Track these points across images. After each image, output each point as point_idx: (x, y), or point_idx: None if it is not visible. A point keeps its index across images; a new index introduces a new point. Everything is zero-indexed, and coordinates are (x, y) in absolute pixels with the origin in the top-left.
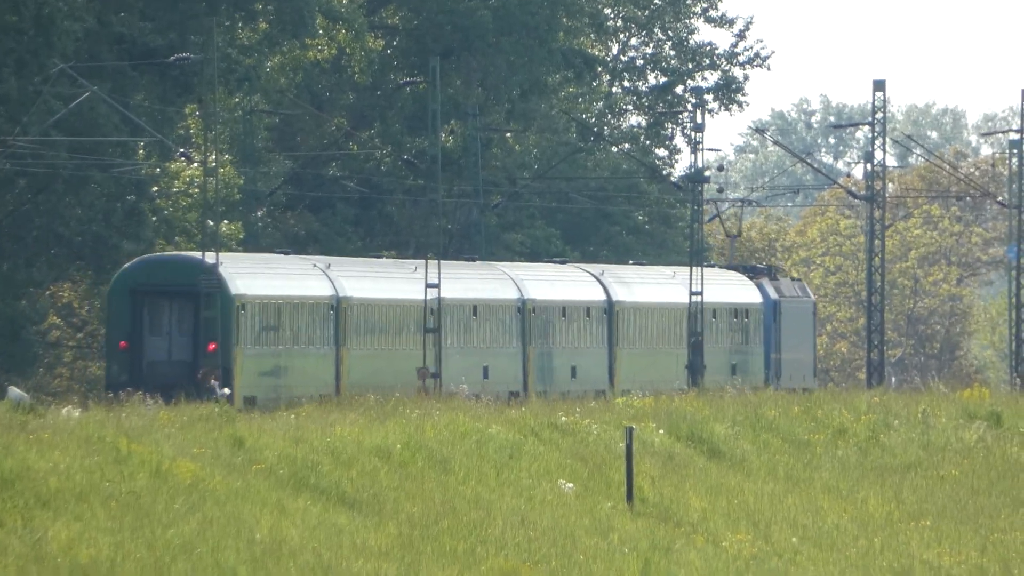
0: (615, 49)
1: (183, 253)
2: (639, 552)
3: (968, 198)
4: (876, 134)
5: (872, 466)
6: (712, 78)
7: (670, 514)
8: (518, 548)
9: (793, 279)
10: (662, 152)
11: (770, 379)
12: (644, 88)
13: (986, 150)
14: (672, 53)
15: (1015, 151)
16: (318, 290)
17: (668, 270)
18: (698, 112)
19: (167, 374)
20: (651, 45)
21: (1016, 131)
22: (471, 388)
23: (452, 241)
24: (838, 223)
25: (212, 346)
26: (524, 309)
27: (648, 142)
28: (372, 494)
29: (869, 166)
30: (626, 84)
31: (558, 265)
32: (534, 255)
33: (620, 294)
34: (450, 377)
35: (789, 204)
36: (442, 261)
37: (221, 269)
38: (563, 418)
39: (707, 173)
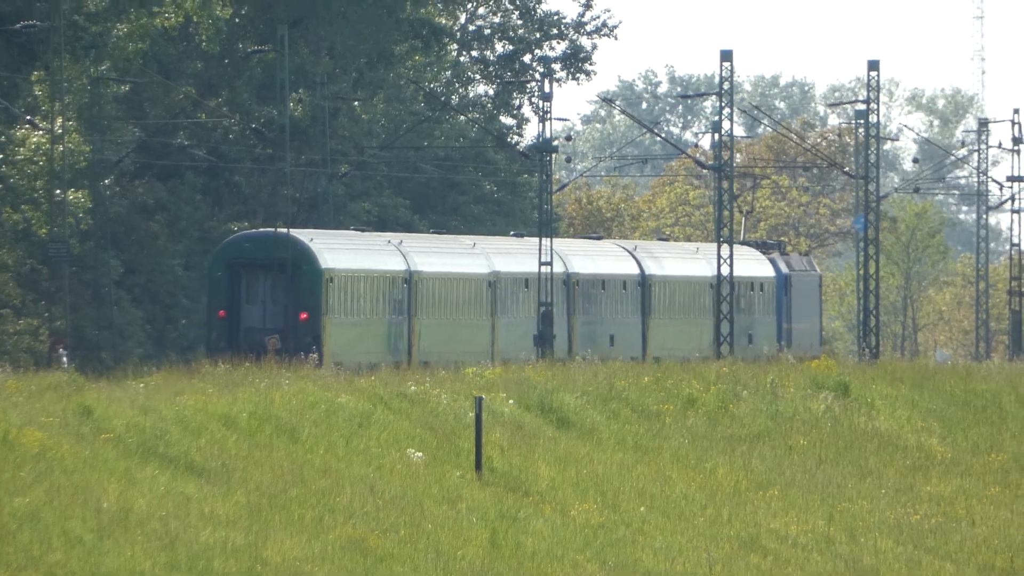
0: (463, 18)
1: (278, 230)
2: (487, 521)
3: (815, 169)
4: (723, 104)
5: (721, 436)
6: (559, 47)
7: (518, 483)
8: (366, 517)
9: (802, 254)
10: (510, 121)
11: (782, 348)
12: (492, 57)
13: (833, 121)
14: (519, 22)
15: (861, 121)
16: (393, 265)
17: (692, 246)
18: (545, 81)
19: (262, 341)
20: (499, 14)
21: (862, 102)
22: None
23: (300, 211)
24: (687, 193)
25: (304, 315)
26: (569, 282)
27: (496, 111)
28: (220, 463)
29: (717, 136)
30: (474, 53)
31: (595, 241)
32: (382, 224)
33: (652, 268)
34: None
35: (638, 175)
36: (500, 239)
37: (311, 244)
38: (412, 388)
39: (555, 143)
